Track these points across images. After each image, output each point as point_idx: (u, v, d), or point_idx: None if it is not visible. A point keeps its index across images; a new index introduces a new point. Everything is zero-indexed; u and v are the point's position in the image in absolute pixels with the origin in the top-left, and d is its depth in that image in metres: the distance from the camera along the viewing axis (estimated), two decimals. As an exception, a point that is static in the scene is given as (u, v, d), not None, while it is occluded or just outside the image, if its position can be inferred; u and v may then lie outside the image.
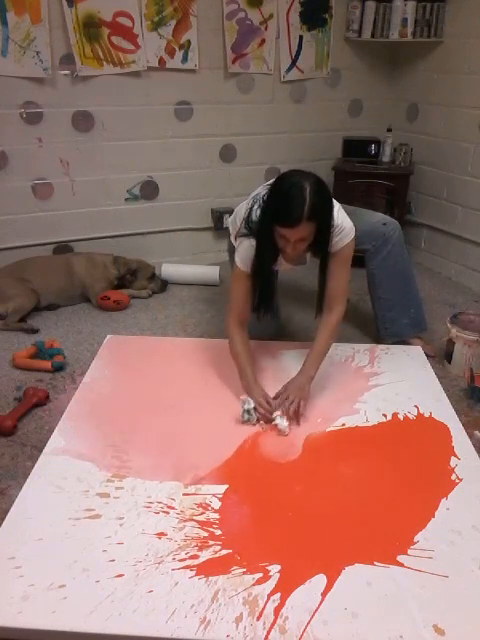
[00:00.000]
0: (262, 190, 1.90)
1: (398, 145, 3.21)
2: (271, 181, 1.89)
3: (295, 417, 1.83)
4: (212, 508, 1.49)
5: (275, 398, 1.88)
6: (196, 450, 1.71)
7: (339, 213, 1.87)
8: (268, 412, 1.82)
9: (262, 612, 1.21)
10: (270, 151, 3.27)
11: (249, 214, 1.87)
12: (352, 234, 1.90)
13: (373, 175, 3.19)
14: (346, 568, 1.31)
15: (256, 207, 1.84)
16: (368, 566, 1.32)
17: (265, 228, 1.78)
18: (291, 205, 1.65)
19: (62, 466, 1.63)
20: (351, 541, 1.40)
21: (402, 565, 1.33)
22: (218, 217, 3.21)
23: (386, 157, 3.26)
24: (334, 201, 1.85)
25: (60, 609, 1.21)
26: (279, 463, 1.67)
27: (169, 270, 3.10)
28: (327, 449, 1.74)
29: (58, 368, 2.23)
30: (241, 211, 2.10)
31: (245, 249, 1.88)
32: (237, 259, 1.91)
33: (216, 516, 1.46)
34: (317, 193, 1.67)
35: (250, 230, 1.86)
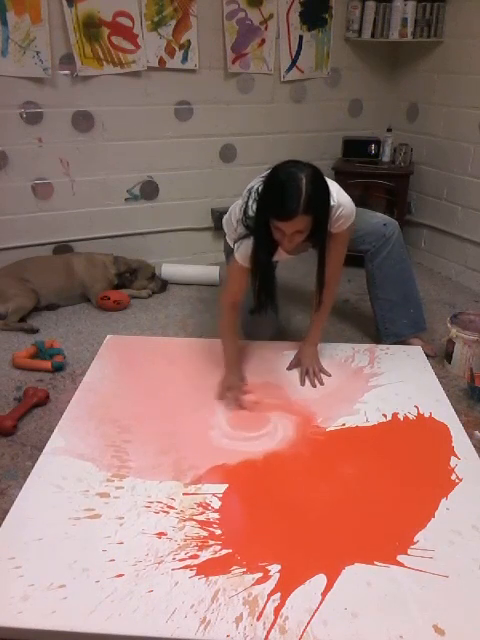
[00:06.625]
0: (256, 183, 1.86)
1: (398, 145, 3.20)
2: (265, 173, 1.87)
3: (318, 381, 2.07)
4: (212, 508, 1.49)
5: (289, 368, 2.15)
6: (196, 450, 1.71)
7: (339, 194, 1.84)
8: (240, 393, 1.93)
9: (262, 612, 1.21)
10: (270, 151, 3.25)
11: (245, 211, 1.84)
12: (353, 215, 1.90)
13: (373, 175, 3.19)
14: (346, 568, 1.31)
15: (251, 202, 1.82)
16: (368, 566, 1.32)
17: (261, 221, 1.76)
18: (286, 197, 1.62)
19: (62, 466, 1.63)
20: (351, 541, 1.40)
21: (402, 565, 1.33)
22: (218, 217, 3.20)
23: (386, 157, 3.26)
24: (333, 183, 1.82)
25: (60, 609, 1.21)
26: (279, 463, 1.67)
27: (169, 270, 3.10)
28: (327, 449, 1.74)
29: (58, 368, 2.22)
30: (236, 209, 2.07)
31: (245, 248, 1.86)
32: (237, 256, 1.89)
33: (216, 516, 1.47)
34: (313, 184, 1.63)
35: (248, 228, 1.84)
